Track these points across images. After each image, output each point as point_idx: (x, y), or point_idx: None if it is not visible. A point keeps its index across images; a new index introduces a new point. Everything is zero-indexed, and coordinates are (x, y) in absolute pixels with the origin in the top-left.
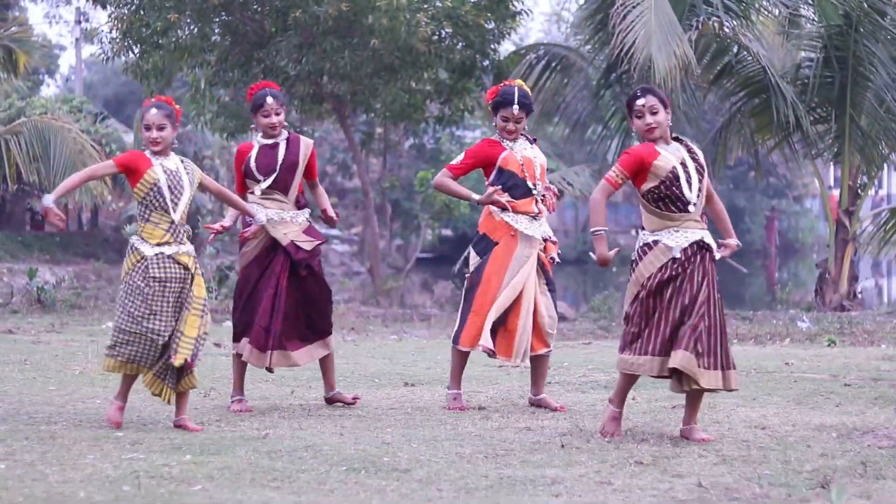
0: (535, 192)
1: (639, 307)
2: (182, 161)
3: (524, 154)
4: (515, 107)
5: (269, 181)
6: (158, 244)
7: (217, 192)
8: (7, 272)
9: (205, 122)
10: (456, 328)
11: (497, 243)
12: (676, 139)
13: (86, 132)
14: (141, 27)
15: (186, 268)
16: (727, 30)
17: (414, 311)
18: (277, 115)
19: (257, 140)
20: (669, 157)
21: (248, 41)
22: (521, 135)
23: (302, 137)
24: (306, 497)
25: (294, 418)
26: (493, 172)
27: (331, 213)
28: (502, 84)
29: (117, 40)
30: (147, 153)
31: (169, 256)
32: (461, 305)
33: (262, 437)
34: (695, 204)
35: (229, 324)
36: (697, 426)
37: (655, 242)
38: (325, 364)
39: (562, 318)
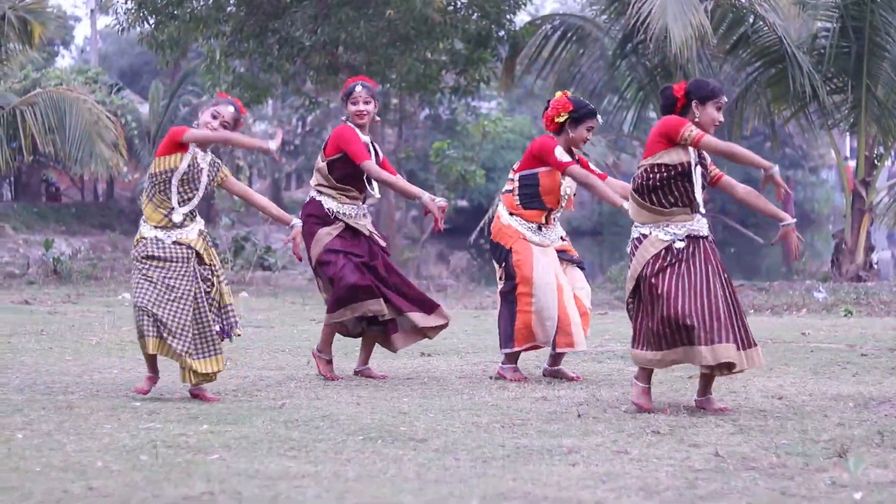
0: (550, 212)
1: (639, 301)
2: (213, 162)
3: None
4: (599, 117)
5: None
6: (157, 227)
7: (241, 194)
8: (23, 243)
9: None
10: (504, 331)
11: (510, 249)
12: None
13: (101, 103)
14: None
15: (189, 247)
16: (743, 0)
17: (430, 282)
18: (367, 104)
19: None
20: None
21: (264, 11)
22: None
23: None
24: (323, 466)
25: (310, 388)
26: (529, 171)
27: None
28: (564, 95)
29: (132, 11)
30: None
31: (172, 243)
32: (505, 309)
33: (278, 406)
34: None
35: (245, 294)
36: (713, 396)
37: (646, 235)
38: (374, 341)
39: None
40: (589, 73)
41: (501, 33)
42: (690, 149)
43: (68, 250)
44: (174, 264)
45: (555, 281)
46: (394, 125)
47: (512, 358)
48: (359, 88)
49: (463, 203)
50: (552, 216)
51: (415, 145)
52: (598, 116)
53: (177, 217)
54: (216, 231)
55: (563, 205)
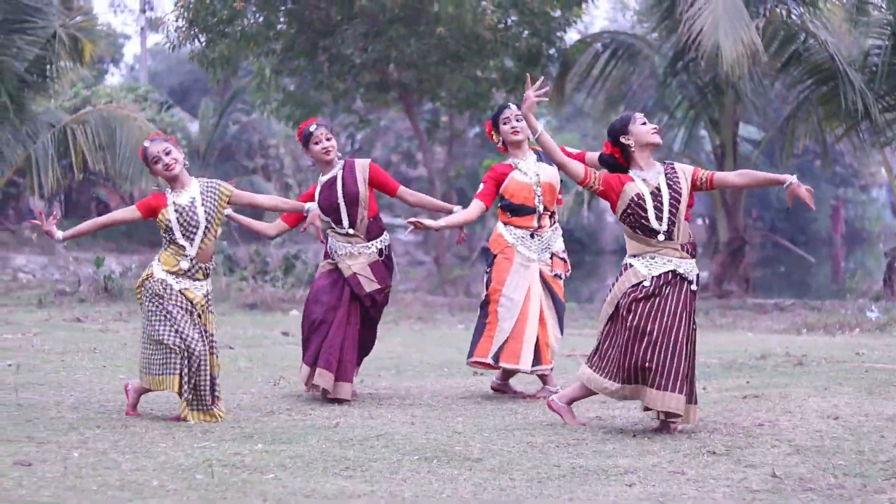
0: (538, 211)
1: (611, 327)
2: (205, 189)
3: (522, 179)
4: (513, 106)
5: (339, 220)
6: (169, 272)
7: (250, 203)
8: (74, 261)
9: (270, 111)
10: (472, 341)
11: (496, 255)
12: (666, 163)
13: (151, 121)
14: (207, 15)
15: (192, 302)
16: (794, 17)
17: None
18: (328, 140)
19: (320, 179)
20: (640, 184)
21: (314, 29)
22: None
23: (357, 161)
24: (379, 486)
25: (364, 407)
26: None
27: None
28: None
29: (183, 29)
30: (167, 191)
31: (179, 291)
32: (479, 320)
33: (333, 426)
34: (664, 233)
35: (296, 312)
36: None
37: (630, 265)
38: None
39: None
40: (639, 92)
41: (552, 51)
42: (648, 179)
43: (118, 268)
44: (178, 308)
45: (521, 299)
46: (443, 143)
47: (506, 374)
48: (314, 128)
49: None
50: (544, 219)
51: (464, 163)
52: (510, 105)
53: (185, 264)
54: (266, 249)
55: (541, 201)
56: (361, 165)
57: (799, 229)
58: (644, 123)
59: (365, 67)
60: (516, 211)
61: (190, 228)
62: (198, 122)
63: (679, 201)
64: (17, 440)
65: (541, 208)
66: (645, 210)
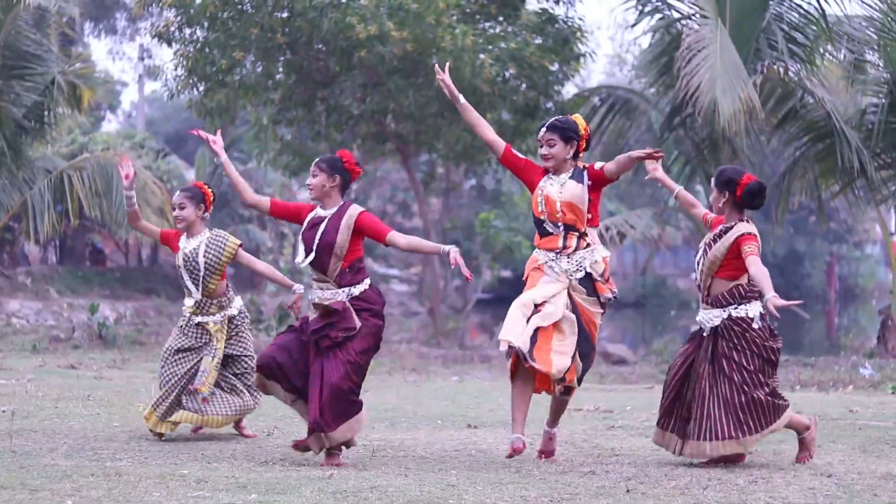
0: (552, 230)
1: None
2: (212, 239)
3: (547, 192)
4: (542, 129)
5: (308, 260)
6: (187, 308)
7: (247, 265)
8: (68, 307)
9: (267, 160)
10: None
11: (526, 278)
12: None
13: (147, 168)
14: (206, 65)
15: (208, 332)
16: (792, 74)
17: (475, 353)
18: (314, 177)
19: (316, 210)
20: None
21: (313, 80)
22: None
23: (350, 207)
24: None
25: (358, 458)
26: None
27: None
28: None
29: (182, 77)
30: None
31: (197, 324)
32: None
33: (326, 477)
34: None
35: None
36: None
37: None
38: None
39: (622, 361)
40: (636, 146)
41: (549, 105)
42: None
43: (112, 315)
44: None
45: (535, 300)
46: (439, 195)
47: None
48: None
49: (507, 273)
50: (569, 240)
51: (459, 215)
52: (541, 129)
53: (189, 302)
54: (261, 297)
55: (560, 216)
56: (350, 214)
57: (793, 285)
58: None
59: (362, 118)
60: (539, 227)
61: (194, 273)
62: (194, 170)
63: (708, 250)
64: (11, 487)
65: (560, 227)
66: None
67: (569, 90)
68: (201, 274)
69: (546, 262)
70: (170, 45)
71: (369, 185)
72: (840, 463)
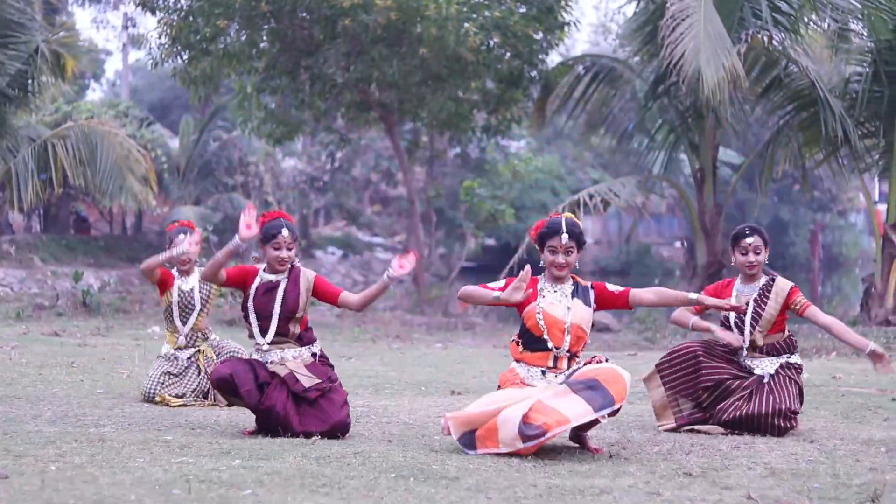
0: (555, 351)
1: None
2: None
3: (551, 311)
4: (564, 235)
5: (269, 338)
6: (175, 348)
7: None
8: (52, 275)
9: (251, 129)
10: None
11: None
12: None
13: (132, 137)
14: (190, 33)
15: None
16: (776, 43)
17: (458, 320)
18: (289, 249)
19: (260, 274)
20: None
21: (297, 48)
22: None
23: (302, 271)
24: (356, 503)
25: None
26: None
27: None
28: (550, 216)
29: (166, 46)
30: (174, 271)
31: (188, 358)
32: None
33: (310, 443)
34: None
35: None
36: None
37: None
38: None
39: (606, 329)
40: (620, 115)
41: (533, 73)
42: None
43: (97, 283)
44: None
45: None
46: (424, 163)
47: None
48: (280, 231)
49: (491, 242)
50: (561, 363)
51: (444, 183)
52: (562, 235)
53: (182, 340)
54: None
55: (570, 341)
56: (306, 277)
57: (777, 254)
58: (744, 254)
59: (346, 87)
60: (530, 341)
61: (186, 311)
62: (178, 139)
63: (760, 313)
64: None
65: (560, 351)
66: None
67: (553, 59)
68: (196, 310)
69: (528, 378)
70: (154, 13)
71: (353, 154)
72: (823, 429)
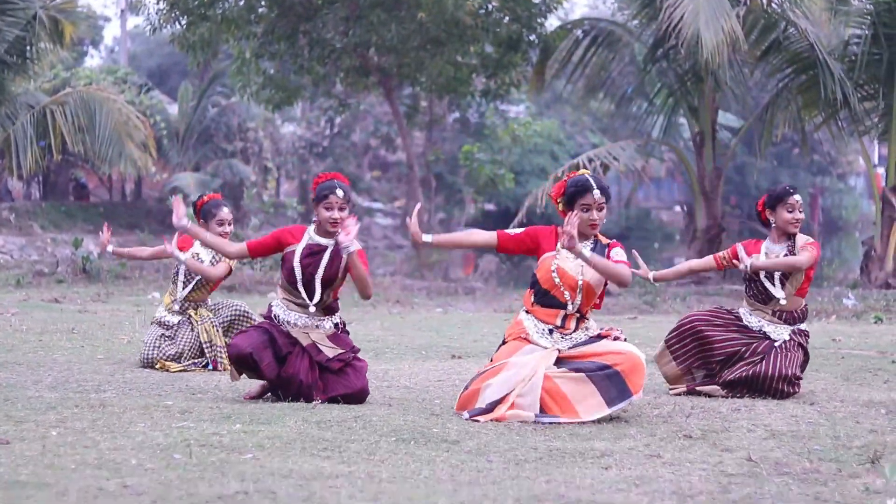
0: (558, 305)
1: None
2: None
3: (565, 265)
4: (596, 191)
5: (315, 301)
6: (167, 308)
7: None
8: (51, 242)
9: (250, 94)
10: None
11: (506, 342)
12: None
13: (130, 103)
14: None
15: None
16: (775, 6)
17: (458, 285)
18: (342, 210)
19: (309, 233)
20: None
21: (295, 13)
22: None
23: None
24: (356, 467)
25: None
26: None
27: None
28: (567, 176)
29: (164, 11)
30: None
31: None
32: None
33: (311, 407)
34: (777, 299)
35: (273, 294)
36: None
37: None
38: None
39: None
40: (619, 79)
41: (532, 37)
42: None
43: (97, 249)
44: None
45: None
46: (422, 128)
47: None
48: (335, 191)
49: (490, 206)
50: (569, 321)
51: (443, 148)
52: (594, 192)
53: (175, 306)
54: (245, 232)
55: (580, 300)
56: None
57: None
58: (790, 211)
59: (345, 52)
60: (541, 294)
61: (190, 275)
62: (177, 105)
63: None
64: None
65: (569, 307)
66: (757, 276)
67: (552, 23)
68: (197, 279)
69: (534, 335)
70: None
71: (353, 119)
72: (823, 391)
